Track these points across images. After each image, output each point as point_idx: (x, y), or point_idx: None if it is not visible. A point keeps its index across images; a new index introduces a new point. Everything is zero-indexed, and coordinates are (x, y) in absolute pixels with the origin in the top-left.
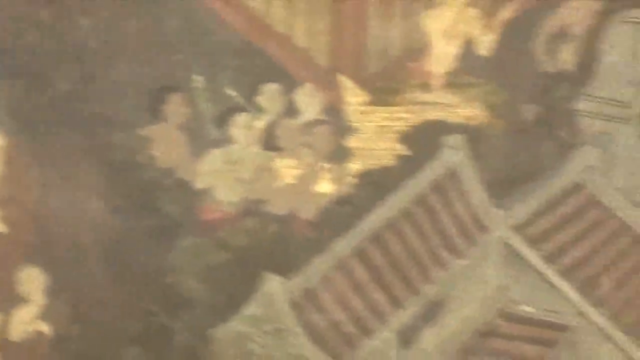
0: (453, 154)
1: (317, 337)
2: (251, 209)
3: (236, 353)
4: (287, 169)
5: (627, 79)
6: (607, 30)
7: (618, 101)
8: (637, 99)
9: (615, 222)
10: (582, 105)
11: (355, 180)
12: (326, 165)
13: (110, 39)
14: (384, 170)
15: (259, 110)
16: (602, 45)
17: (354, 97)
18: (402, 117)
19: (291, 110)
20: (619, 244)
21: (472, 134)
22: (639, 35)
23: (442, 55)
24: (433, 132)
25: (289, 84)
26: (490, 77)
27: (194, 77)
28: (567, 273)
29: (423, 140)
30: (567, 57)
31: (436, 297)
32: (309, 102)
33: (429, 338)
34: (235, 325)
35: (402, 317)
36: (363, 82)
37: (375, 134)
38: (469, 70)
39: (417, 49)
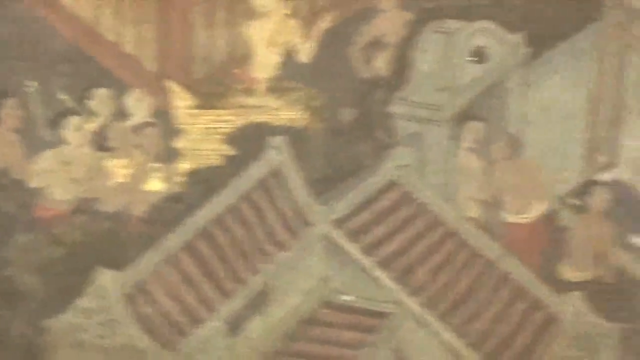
0: (276, 154)
1: (148, 327)
2: (84, 207)
3: (70, 343)
4: (119, 169)
5: (439, 85)
6: (419, 39)
7: (430, 105)
8: (448, 103)
9: (428, 217)
10: (396, 108)
11: (184, 179)
12: (156, 165)
13: None
14: (212, 170)
15: (90, 113)
16: (415, 53)
17: (181, 101)
18: (227, 119)
19: (122, 113)
20: (432, 237)
21: (294, 136)
22: (449, 44)
23: (265, 62)
24: (257, 133)
25: (120, 88)
26: (310, 83)
27: (27, 82)
28: (384, 264)
29: (248, 141)
30: (382, 64)
31: (262, 288)
32: (138, 106)
33: (255, 326)
34: (69, 317)
35: (230, 307)
36: (190, 87)
37: (203, 135)
38: (290, 76)
39: (241, 57)
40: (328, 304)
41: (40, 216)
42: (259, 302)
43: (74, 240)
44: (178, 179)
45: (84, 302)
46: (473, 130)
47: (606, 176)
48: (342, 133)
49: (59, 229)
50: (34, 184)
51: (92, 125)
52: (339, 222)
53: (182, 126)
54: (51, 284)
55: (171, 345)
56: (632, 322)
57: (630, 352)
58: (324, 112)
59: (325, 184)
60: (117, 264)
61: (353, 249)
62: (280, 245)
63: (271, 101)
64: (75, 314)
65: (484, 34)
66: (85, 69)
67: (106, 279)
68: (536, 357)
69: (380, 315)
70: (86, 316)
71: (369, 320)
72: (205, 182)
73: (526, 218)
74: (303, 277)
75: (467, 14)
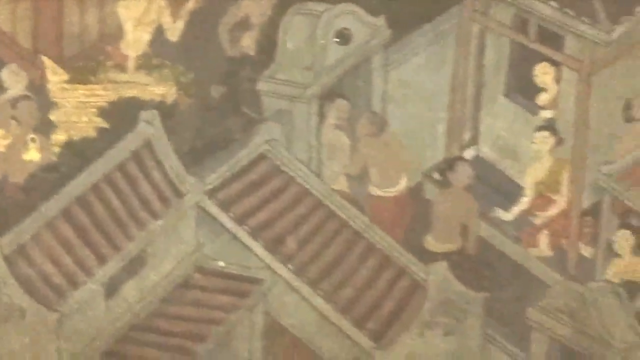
0: (148, 127)
1: (29, 288)
2: None
3: None
4: None
5: (304, 64)
6: (285, 20)
7: (295, 83)
8: (313, 81)
9: (296, 188)
10: (264, 86)
11: (60, 150)
12: (33, 136)
13: None
14: (86, 141)
15: None
16: (281, 33)
17: (55, 76)
18: (100, 94)
19: None
20: (301, 208)
21: (165, 110)
22: (313, 25)
23: (135, 40)
24: (129, 108)
25: None
26: (179, 60)
27: None
28: (255, 233)
29: (121, 115)
30: (249, 43)
31: (137, 254)
32: (14, 80)
33: (131, 290)
34: None
35: (107, 271)
36: (63, 63)
37: (76, 108)
38: (160, 53)
39: (113, 34)
40: (201, 270)
41: None
42: (134, 267)
43: None
44: (54, 149)
45: None
46: (338, 108)
47: (468, 153)
48: (212, 108)
49: None
50: None
51: None
52: (211, 193)
53: (56, 99)
54: None
55: (51, 305)
56: (494, 291)
57: (493, 319)
58: (193, 89)
59: (197, 157)
60: None
61: (224, 219)
62: (154, 214)
63: (142, 77)
64: None
65: (347, 16)
66: None
67: None
68: (402, 322)
69: (253, 281)
70: None
71: (242, 286)
72: (80, 153)
73: (392, 192)
74: (177, 244)
75: None
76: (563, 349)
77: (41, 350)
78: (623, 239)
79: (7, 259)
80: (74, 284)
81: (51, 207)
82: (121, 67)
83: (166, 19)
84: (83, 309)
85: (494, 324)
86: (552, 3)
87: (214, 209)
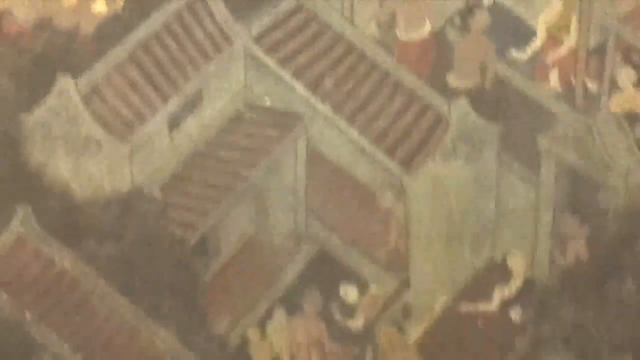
0: None
1: (104, 123)
2: (43, 24)
3: (42, 136)
4: None
5: None
6: None
7: None
8: None
9: (331, 34)
10: None
11: (124, 3)
12: None
13: None
14: None
15: None
16: None
17: None
18: None
19: None
20: (336, 52)
21: None
22: None
23: None
24: None
25: None
26: None
27: None
28: (297, 74)
29: None
30: None
31: (195, 92)
32: None
33: (191, 124)
34: (39, 115)
35: (169, 107)
36: None
37: None
38: None
39: None
40: (251, 106)
41: (7, 32)
42: (193, 104)
43: (36, 52)
44: (119, 2)
45: (50, 101)
46: None
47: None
48: None
49: (23, 42)
50: None
51: None
52: (258, 39)
53: None
54: (21, 86)
55: (124, 137)
56: (509, 122)
57: (507, 149)
58: None
59: (243, 7)
60: (73, 72)
61: (270, 61)
62: (208, 58)
63: None
64: (44, 112)
65: None
66: None
67: (67, 83)
68: (428, 151)
69: (295, 116)
70: (53, 114)
71: (286, 120)
72: (141, 4)
73: (417, 36)
74: (229, 84)
75: None
76: (570, 172)
77: (116, 176)
78: (625, 75)
79: (83, 98)
80: (142, 119)
81: (119, 53)
82: None
83: None
84: (151, 140)
85: (509, 152)
86: None
87: (260, 53)
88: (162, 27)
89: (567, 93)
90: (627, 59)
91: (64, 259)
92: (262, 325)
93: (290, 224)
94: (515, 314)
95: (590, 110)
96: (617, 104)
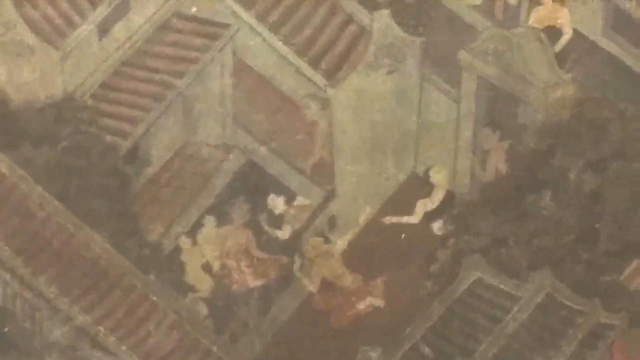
0: None
1: (35, 29)
2: None
3: None
4: None
5: None
6: None
7: None
8: None
9: None
10: None
11: None
12: None
13: None
14: None
15: None
16: None
17: None
18: None
19: None
20: None
21: None
22: None
23: None
24: None
25: None
26: None
27: None
28: None
29: None
30: None
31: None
32: None
33: (120, 31)
34: None
35: (98, 13)
36: None
37: None
38: None
39: None
40: (179, 14)
41: None
42: (122, 10)
43: None
44: None
45: None
46: None
47: None
48: None
49: None
50: None
51: None
52: None
53: None
54: None
55: (54, 43)
56: (430, 35)
57: (428, 62)
58: None
59: None
60: None
61: None
62: None
63: None
64: None
65: None
66: None
67: None
68: (351, 63)
69: (221, 25)
70: None
71: (212, 29)
72: None
73: None
74: None
75: None
76: (490, 87)
77: (49, 83)
78: None
79: (15, 3)
80: (72, 25)
81: None
82: None
83: None
84: (81, 46)
85: (430, 65)
86: None
87: None
88: None
89: (487, 7)
90: None
91: (1, 163)
92: (193, 233)
93: (218, 134)
94: (437, 227)
95: (510, 24)
96: (536, 19)
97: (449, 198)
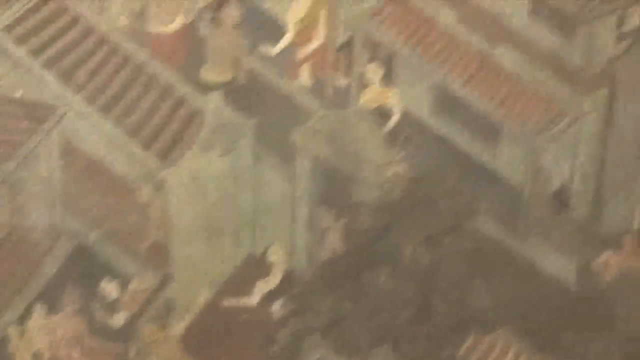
0: None
1: None
2: None
3: None
4: None
5: None
6: None
7: None
8: None
9: (84, 24)
10: None
11: None
12: None
13: None
14: None
15: None
16: None
17: None
18: None
19: None
20: (88, 44)
21: None
22: None
23: None
24: None
25: None
26: None
27: None
28: (49, 65)
29: None
30: None
31: None
32: None
33: None
34: None
35: None
36: None
37: None
38: None
39: None
40: (2, 98)
41: None
42: None
43: None
44: None
45: None
46: None
47: None
48: None
49: None
50: None
51: None
52: (9, 28)
53: None
54: None
55: None
56: (263, 116)
57: (262, 143)
58: None
59: None
60: None
61: (21, 52)
62: None
63: None
64: None
65: None
66: None
67: None
68: (184, 144)
69: (48, 107)
70: None
71: (39, 112)
72: None
73: (170, 29)
74: None
75: None
76: (324, 166)
77: None
78: (372, 71)
79: None
80: None
81: None
82: None
83: None
84: None
85: (264, 145)
86: None
87: (10, 44)
88: None
89: (319, 88)
90: (374, 55)
91: None
92: (22, 321)
93: (46, 219)
94: (275, 307)
95: (341, 105)
96: (366, 99)
97: (288, 278)
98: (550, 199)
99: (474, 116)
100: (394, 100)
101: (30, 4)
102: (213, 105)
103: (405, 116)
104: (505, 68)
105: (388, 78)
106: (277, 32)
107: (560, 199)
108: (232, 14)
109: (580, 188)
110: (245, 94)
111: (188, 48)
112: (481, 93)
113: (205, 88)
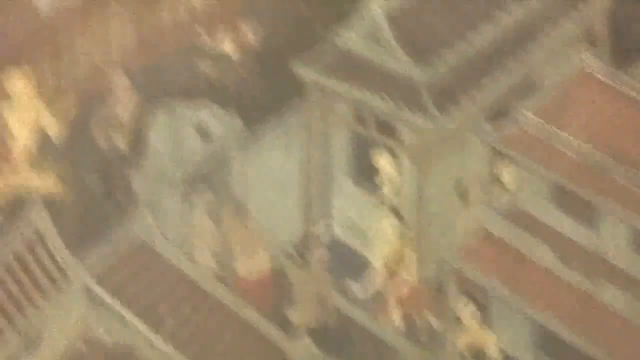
0: (37, 219)
1: None
2: None
3: None
4: None
5: (170, 156)
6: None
7: (163, 174)
8: (178, 171)
9: (175, 273)
10: (135, 175)
11: None
12: None
13: None
14: None
15: None
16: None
17: None
18: None
19: None
20: (180, 292)
21: (51, 201)
22: (176, 121)
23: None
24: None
25: None
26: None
27: None
28: (142, 314)
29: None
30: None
31: (33, 332)
32: None
33: None
34: None
35: (5, 350)
36: None
37: None
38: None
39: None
40: (87, 341)
41: None
42: (30, 346)
43: None
44: None
45: None
46: (203, 196)
47: (322, 231)
48: (91, 197)
49: None
50: None
51: None
52: (100, 278)
53: None
54: None
55: None
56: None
57: None
58: (73, 181)
59: (81, 243)
60: None
61: (115, 303)
62: (45, 294)
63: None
64: None
65: (205, 112)
66: None
67: None
68: None
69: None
70: None
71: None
72: None
73: (256, 273)
74: (66, 320)
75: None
76: None
77: None
78: (468, 312)
79: None
80: None
81: None
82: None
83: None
84: None
85: None
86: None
87: (105, 295)
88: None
89: (411, 330)
90: (469, 295)
91: None
92: None
93: None
94: None
95: (435, 347)
96: (462, 342)
97: None
98: None
99: None
100: (493, 346)
101: (120, 253)
102: (304, 353)
103: None
104: (610, 307)
105: (484, 319)
106: (363, 270)
107: None
108: (319, 253)
109: None
110: (335, 336)
111: (275, 291)
112: (587, 335)
113: (296, 334)
